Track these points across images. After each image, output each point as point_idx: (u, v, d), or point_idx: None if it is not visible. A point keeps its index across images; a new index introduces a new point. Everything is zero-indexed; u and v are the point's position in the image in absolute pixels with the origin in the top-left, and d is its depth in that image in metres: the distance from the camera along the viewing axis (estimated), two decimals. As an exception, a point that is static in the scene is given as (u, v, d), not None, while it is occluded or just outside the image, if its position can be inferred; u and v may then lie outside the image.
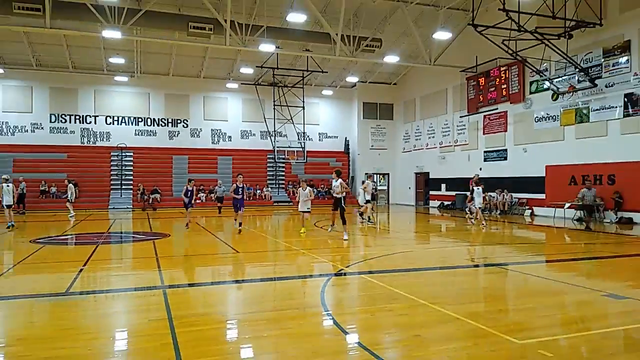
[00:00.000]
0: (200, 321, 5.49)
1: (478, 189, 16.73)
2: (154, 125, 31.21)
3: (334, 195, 13.97)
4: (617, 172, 18.43)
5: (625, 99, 18.04)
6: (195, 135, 31.97)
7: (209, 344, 4.76)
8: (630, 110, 17.91)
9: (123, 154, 29.91)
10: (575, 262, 10.04)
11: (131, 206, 27.74)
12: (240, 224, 14.71)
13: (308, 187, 14.42)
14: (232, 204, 14.98)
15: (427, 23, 25.03)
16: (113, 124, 30.50)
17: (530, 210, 22.36)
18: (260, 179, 31.50)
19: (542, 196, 21.63)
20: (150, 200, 27.67)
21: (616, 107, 18.41)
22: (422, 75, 30.76)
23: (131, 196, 28.61)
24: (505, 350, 4.53)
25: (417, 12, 24.65)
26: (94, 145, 30.02)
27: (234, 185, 14.72)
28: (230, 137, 32.67)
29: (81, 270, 8.57)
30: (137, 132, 30.85)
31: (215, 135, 32.42)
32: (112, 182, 29.33)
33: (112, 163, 29.76)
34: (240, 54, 28.47)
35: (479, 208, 16.95)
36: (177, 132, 31.64)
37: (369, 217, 18.14)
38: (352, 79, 32.56)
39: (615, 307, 6.18)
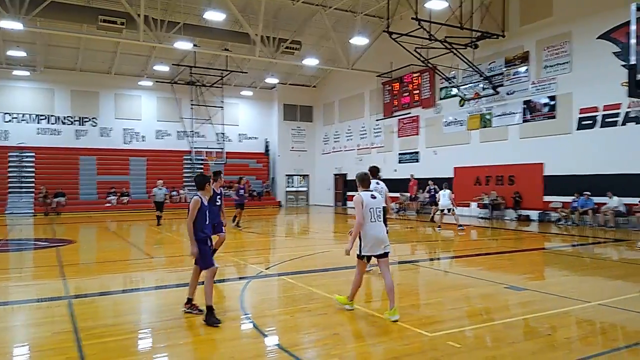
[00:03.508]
0: (109, 332, 5.19)
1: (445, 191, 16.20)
2: (58, 124, 29.03)
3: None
4: (517, 173, 20.01)
5: (524, 106, 19.63)
6: (105, 135, 30.18)
7: (120, 355, 4.53)
8: (528, 116, 19.51)
9: (23, 154, 27.56)
10: (480, 257, 10.74)
11: (32, 211, 25.63)
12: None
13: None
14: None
15: (345, 28, 25.61)
16: (12, 121, 27.95)
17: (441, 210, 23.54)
18: (177, 180, 30.45)
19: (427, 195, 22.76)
20: (54, 204, 25.73)
21: (516, 113, 19.98)
22: (341, 79, 31.40)
23: (32, 200, 26.44)
24: (417, 343, 4.75)
25: (335, 17, 25.13)
26: (-11, 144, 27.39)
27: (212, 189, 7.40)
28: (144, 137, 31.22)
29: (-28, 282, 7.79)
30: (39, 131, 28.53)
31: (128, 135, 30.84)
32: (10, 185, 26.86)
33: (10, 164, 27.26)
34: (155, 51, 27.35)
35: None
36: (84, 131, 29.67)
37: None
38: (272, 81, 32.49)
39: (516, 298, 6.69)
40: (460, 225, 15.93)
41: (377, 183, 8.33)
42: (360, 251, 5.71)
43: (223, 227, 8.72)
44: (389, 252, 5.77)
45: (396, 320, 5.38)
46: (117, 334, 5.13)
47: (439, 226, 16.18)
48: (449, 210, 16.21)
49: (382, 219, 5.83)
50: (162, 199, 17.67)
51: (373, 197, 5.80)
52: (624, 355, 4.51)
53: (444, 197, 16.06)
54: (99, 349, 4.64)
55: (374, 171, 8.45)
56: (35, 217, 23.98)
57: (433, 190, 18.01)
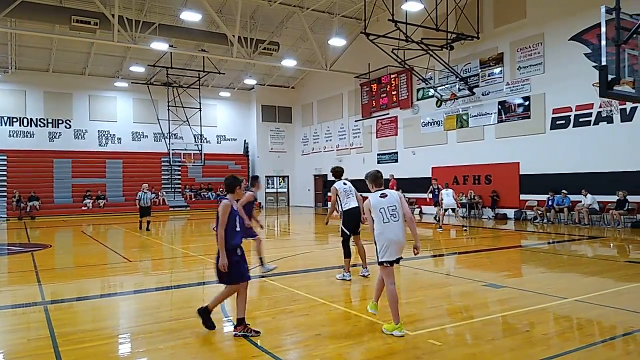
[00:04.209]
0: (88, 337, 5.09)
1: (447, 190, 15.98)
2: (31, 126, 28.36)
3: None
4: (493, 172, 20.34)
5: (499, 106, 19.97)
6: (80, 137, 29.61)
7: (99, 361, 4.44)
8: (503, 116, 19.85)
9: (-6, 157, 26.87)
10: (459, 256, 10.89)
11: (5, 215, 24.98)
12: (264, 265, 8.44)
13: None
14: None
15: (323, 29, 25.65)
16: (-18, 124, 27.27)
17: (419, 209, 23.82)
18: (155, 183, 30.03)
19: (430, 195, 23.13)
20: (28, 208, 25.14)
21: (491, 113, 20.31)
22: (319, 80, 31.43)
23: (5, 204, 25.77)
24: (399, 342, 4.77)
25: (312, 18, 25.15)
26: (-42, 147, 26.60)
27: (246, 191, 7.96)
28: (120, 139, 30.72)
29: (-58, 289, 7.55)
30: (11, 134, 27.84)
31: (103, 137, 30.30)
32: (-20, 189, 26.19)
33: (-20, 168, 26.59)
34: (130, 52, 26.96)
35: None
36: (58, 134, 29.06)
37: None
38: (250, 82, 32.34)
39: (494, 296, 6.79)
40: (464, 226, 16.26)
41: (344, 184, 8.03)
42: (377, 257, 5.17)
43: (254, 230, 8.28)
44: (400, 259, 5.22)
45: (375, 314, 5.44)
46: (95, 340, 5.03)
47: (441, 227, 15.86)
48: (453, 209, 16.13)
49: (397, 219, 5.12)
50: (148, 203, 17.26)
51: (383, 195, 5.17)
52: (600, 350, 4.62)
53: (448, 196, 15.80)
54: (78, 355, 4.55)
55: (339, 172, 8.19)
56: (8, 222, 23.37)
57: (437, 190, 17.73)
